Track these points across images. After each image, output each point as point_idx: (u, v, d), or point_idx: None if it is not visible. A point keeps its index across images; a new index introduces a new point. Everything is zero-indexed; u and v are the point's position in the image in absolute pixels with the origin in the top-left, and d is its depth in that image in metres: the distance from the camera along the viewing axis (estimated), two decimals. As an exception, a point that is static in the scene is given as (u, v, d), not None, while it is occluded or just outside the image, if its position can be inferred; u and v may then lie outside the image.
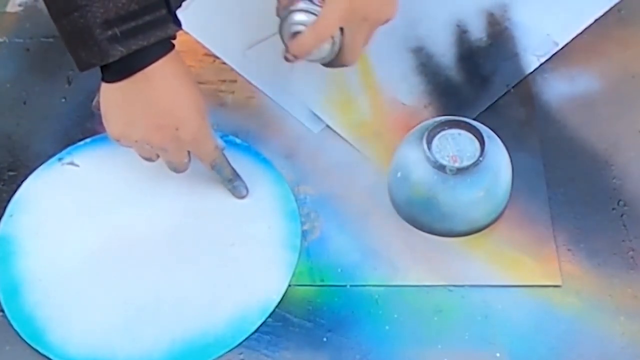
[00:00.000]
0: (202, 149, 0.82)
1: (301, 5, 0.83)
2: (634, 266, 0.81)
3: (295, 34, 0.83)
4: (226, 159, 0.84)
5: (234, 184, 0.86)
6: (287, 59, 0.85)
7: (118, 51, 0.72)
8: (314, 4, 0.83)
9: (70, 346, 0.78)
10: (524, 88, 0.94)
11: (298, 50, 0.84)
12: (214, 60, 0.99)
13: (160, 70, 0.75)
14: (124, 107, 0.77)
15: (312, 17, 0.82)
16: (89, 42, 0.72)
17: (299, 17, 0.83)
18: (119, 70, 0.74)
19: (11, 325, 0.79)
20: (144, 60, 0.74)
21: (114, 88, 0.76)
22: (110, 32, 0.71)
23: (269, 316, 0.79)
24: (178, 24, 0.75)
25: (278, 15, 0.86)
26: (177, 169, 0.83)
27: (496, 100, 0.93)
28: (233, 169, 0.85)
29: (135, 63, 0.74)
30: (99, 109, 0.80)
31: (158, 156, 0.82)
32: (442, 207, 0.81)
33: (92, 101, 0.94)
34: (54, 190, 0.88)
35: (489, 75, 0.96)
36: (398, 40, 0.99)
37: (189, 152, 0.82)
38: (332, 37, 0.82)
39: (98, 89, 0.79)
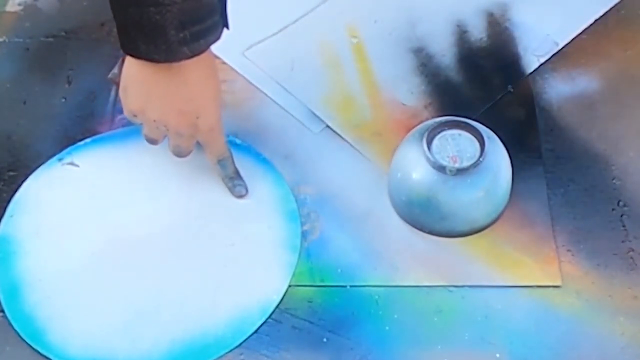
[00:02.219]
0: (215, 141, 0.83)
1: None
2: (634, 266, 0.81)
3: None
4: (232, 156, 0.85)
5: (234, 182, 0.86)
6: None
7: (185, 54, 0.73)
8: None
9: (70, 346, 0.78)
10: (524, 88, 0.94)
11: None
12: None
13: (195, 61, 0.76)
14: (149, 84, 0.78)
15: None
16: (159, 40, 0.72)
17: None
18: None
19: (11, 325, 0.79)
20: None
21: (143, 65, 0.76)
22: (182, 34, 0.72)
23: (269, 316, 0.79)
24: (227, 25, 0.77)
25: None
26: (180, 154, 0.83)
27: (496, 100, 0.93)
28: (236, 168, 0.86)
29: None
30: (116, 82, 0.79)
31: (162, 139, 0.82)
32: (442, 208, 0.81)
33: (92, 101, 0.94)
34: (54, 190, 0.88)
35: (489, 75, 0.96)
36: (398, 40, 0.99)
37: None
38: None
39: (121, 60, 0.78)
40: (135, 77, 0.78)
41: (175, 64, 0.75)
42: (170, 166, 0.87)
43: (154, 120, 0.80)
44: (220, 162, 0.85)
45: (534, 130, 0.91)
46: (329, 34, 1.00)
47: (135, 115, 0.81)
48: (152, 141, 0.83)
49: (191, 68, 0.76)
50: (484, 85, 0.95)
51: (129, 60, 0.78)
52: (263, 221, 0.85)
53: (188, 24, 0.72)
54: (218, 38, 0.76)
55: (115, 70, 0.82)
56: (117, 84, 0.81)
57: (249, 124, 0.93)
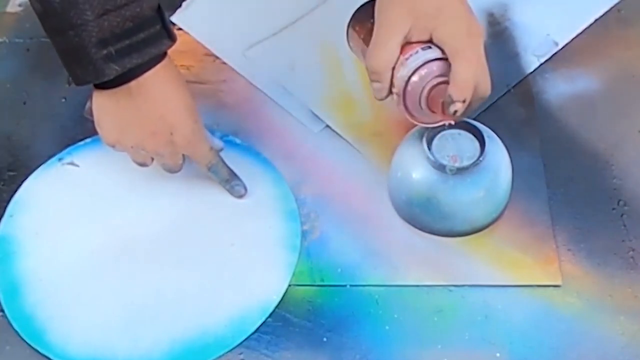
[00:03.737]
0: (197, 152, 0.82)
1: (424, 55, 0.76)
2: (634, 266, 0.81)
3: (439, 84, 0.76)
4: (222, 159, 0.85)
5: (231, 184, 0.86)
6: (454, 111, 0.75)
7: (113, 70, 0.73)
8: (424, 50, 0.77)
9: (70, 346, 0.78)
10: (524, 88, 0.94)
11: (465, 91, 0.75)
12: (214, 60, 0.99)
13: (152, 78, 0.76)
14: (117, 113, 0.78)
15: (440, 63, 0.77)
16: (84, 61, 0.72)
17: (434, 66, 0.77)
18: (112, 81, 0.75)
19: (11, 325, 0.79)
20: (137, 72, 0.75)
21: (107, 95, 0.77)
22: (105, 51, 0.72)
23: (269, 316, 0.79)
24: (172, 37, 0.76)
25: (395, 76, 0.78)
26: (171, 170, 0.84)
27: (496, 100, 0.93)
28: (230, 169, 0.85)
29: (129, 75, 0.74)
30: (91, 115, 0.80)
31: (152, 160, 0.82)
32: (442, 207, 0.81)
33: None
34: (54, 190, 0.88)
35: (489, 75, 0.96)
36: (398, 40, 0.99)
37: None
38: None
39: (89, 96, 0.79)
40: (102, 109, 0.78)
41: (132, 84, 0.75)
42: (170, 166, 0.87)
43: (132, 147, 0.80)
44: (211, 168, 0.84)
45: (534, 130, 0.91)
46: (329, 34, 1.00)
47: (113, 146, 0.81)
48: (141, 164, 0.83)
49: (152, 87, 0.76)
50: (484, 85, 0.95)
51: (93, 95, 0.78)
52: (263, 221, 0.85)
53: (111, 41, 0.72)
54: (160, 51, 0.75)
55: (89, 104, 0.82)
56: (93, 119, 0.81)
57: (249, 124, 0.93)
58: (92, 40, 0.71)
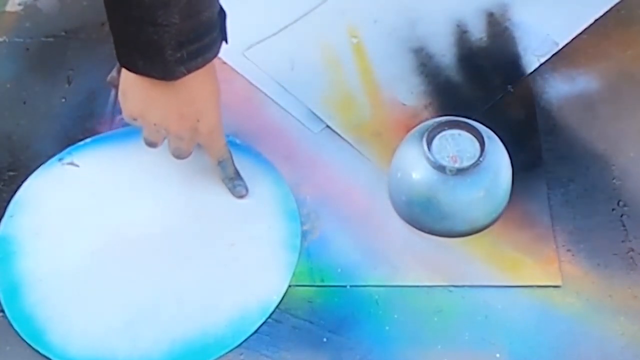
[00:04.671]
0: (215, 143, 0.83)
1: None
2: (634, 266, 0.81)
3: None
4: (232, 158, 0.85)
5: (234, 182, 0.86)
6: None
7: (181, 72, 0.74)
8: None
9: (70, 346, 0.78)
10: (524, 88, 0.94)
11: None
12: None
13: None
14: (149, 90, 0.78)
15: None
16: (156, 58, 0.73)
17: None
18: None
19: (11, 325, 0.79)
20: None
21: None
22: (179, 54, 0.73)
23: (269, 316, 0.79)
24: (226, 39, 0.77)
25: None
26: (180, 157, 0.83)
27: (496, 100, 0.93)
28: (236, 168, 0.86)
29: None
30: (114, 85, 0.80)
31: (163, 141, 0.82)
32: (442, 207, 0.81)
33: (92, 101, 0.94)
34: (54, 190, 0.88)
35: (489, 75, 0.96)
36: (398, 40, 0.99)
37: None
38: None
39: (118, 66, 0.79)
40: (134, 81, 0.78)
41: None
42: (170, 166, 0.87)
43: (154, 124, 0.80)
44: (221, 163, 0.85)
45: (534, 130, 0.91)
46: (329, 34, 1.00)
47: (135, 119, 0.81)
48: (152, 144, 0.82)
49: (190, 74, 0.76)
50: (484, 85, 0.95)
51: (125, 70, 0.78)
52: (263, 221, 0.85)
53: (186, 44, 0.73)
54: (216, 54, 0.77)
55: (114, 73, 0.82)
56: (116, 87, 0.81)
57: (249, 124, 0.93)
58: (172, 42, 0.72)
